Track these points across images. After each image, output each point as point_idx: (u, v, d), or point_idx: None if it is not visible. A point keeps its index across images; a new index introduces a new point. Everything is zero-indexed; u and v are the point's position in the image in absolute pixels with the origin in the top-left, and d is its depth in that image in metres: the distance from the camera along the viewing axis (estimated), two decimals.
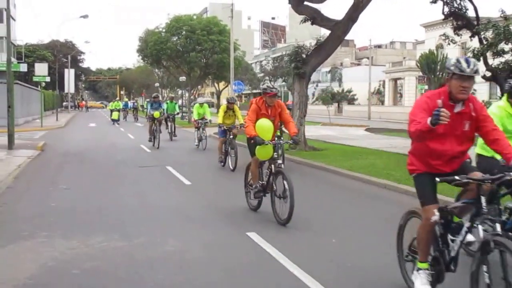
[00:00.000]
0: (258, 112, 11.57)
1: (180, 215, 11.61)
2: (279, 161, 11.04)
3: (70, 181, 16.29)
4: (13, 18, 70.22)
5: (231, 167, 18.60)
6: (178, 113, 37.91)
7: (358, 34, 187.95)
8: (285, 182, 10.45)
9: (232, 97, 22.75)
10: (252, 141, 11.09)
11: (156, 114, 27.25)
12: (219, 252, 8.74)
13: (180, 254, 8.59)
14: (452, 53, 63.44)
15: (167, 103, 32.75)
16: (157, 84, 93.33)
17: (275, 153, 11.09)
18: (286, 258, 8.21)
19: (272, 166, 11.07)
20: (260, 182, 11.44)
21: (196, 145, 26.51)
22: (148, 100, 78.45)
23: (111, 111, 58.02)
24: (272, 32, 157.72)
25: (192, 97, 67.63)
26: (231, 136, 19.21)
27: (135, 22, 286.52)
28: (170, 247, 8.97)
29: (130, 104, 73.55)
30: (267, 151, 11.11)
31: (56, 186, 15.37)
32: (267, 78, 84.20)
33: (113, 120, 54.83)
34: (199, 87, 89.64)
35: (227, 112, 19.95)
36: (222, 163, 19.45)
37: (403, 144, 26.20)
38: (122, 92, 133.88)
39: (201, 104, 26.58)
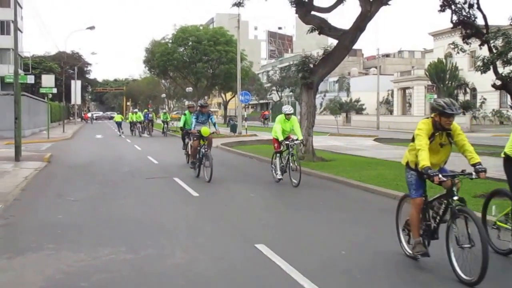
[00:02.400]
0: None
1: (188, 227, 11.52)
2: None
3: (77, 193, 16.20)
4: (20, 30, 70.43)
5: (463, 277, 7.74)
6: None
7: (365, 44, 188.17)
8: None
9: (452, 102, 8.48)
10: None
11: (205, 130, 18.90)
12: (228, 265, 8.64)
13: (188, 267, 8.50)
14: (461, 61, 63.81)
15: (185, 114, 24.47)
16: (163, 95, 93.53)
17: None
18: (295, 270, 8.11)
19: None
20: None
21: (279, 178, 17.86)
22: (168, 108, 75.57)
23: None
24: (279, 42, 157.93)
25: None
26: (455, 197, 8.32)
27: (141, 33, 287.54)
28: (178, 260, 8.88)
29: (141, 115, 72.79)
30: None
31: (63, 198, 15.30)
32: (274, 88, 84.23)
33: (117, 124, 54.78)
34: (206, 97, 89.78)
35: (438, 135, 8.63)
36: (421, 255, 8.52)
37: None
38: (128, 103, 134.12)
39: (288, 116, 17.68)
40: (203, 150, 18.86)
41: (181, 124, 24.43)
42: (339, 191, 16.70)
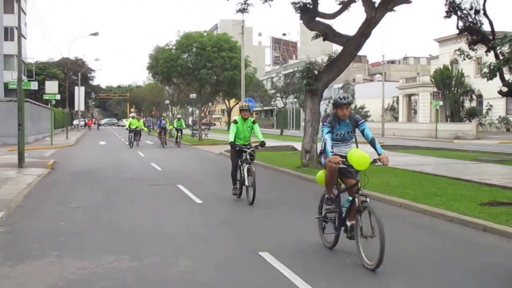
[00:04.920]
0: None
1: (192, 234, 11.44)
2: None
3: (80, 199, 16.15)
4: (23, 36, 70.77)
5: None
6: (263, 145, 16.07)
7: (371, 50, 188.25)
8: None
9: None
10: None
11: (360, 158, 9.04)
12: (231, 273, 8.60)
13: (191, 275, 8.44)
14: (468, 68, 63.71)
15: (235, 122, 15.95)
16: (167, 102, 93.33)
17: None
18: (299, 278, 8.06)
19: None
20: None
21: None
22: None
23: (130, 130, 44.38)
24: (284, 48, 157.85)
25: (202, 114, 67.28)
26: None
27: (145, 39, 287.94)
28: (181, 268, 8.83)
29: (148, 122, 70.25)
30: None
31: (66, 205, 15.22)
32: (278, 95, 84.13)
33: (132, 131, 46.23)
34: (210, 104, 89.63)
35: None
36: None
37: (419, 162, 25.93)
38: (132, 110, 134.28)
39: None
40: (357, 200, 9.13)
41: (230, 138, 15.80)
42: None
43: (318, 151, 10.41)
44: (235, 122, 15.91)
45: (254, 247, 10.03)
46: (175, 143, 45.98)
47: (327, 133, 9.59)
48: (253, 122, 16.07)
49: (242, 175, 15.49)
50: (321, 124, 9.88)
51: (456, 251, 9.92)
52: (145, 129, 53.75)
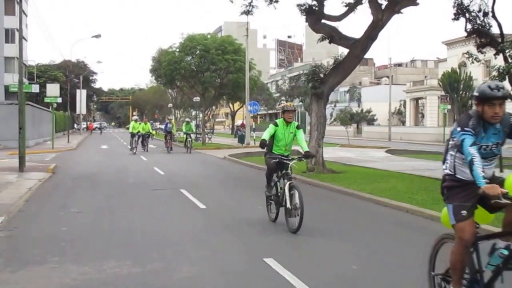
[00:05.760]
0: None
1: (195, 240, 11.29)
2: None
3: (82, 204, 16.05)
4: (24, 39, 70.74)
5: None
6: (307, 156, 13.64)
7: (377, 53, 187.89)
8: None
9: None
10: None
11: None
12: (236, 279, 8.46)
13: (195, 281, 8.34)
14: (476, 71, 63.35)
15: (275, 124, 13.10)
16: (170, 105, 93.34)
17: None
18: (305, 285, 7.94)
19: None
20: None
21: None
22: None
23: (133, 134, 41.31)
24: (289, 51, 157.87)
25: (206, 118, 67.10)
26: None
27: (145, 39, 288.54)
28: (184, 274, 8.70)
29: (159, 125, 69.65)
30: None
31: (68, 209, 15.13)
32: (283, 98, 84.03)
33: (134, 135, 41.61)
34: (214, 107, 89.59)
35: None
36: None
37: (426, 167, 25.83)
38: (134, 113, 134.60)
39: None
40: None
41: (265, 135, 13.00)
42: (350, 204, 16.44)
43: (442, 178, 6.42)
44: (276, 124, 12.92)
45: (258, 253, 9.92)
46: (184, 147, 43.37)
47: (472, 145, 5.72)
48: (297, 127, 13.08)
49: (280, 194, 12.36)
50: (458, 128, 5.95)
51: None
52: (154, 132, 51.14)
